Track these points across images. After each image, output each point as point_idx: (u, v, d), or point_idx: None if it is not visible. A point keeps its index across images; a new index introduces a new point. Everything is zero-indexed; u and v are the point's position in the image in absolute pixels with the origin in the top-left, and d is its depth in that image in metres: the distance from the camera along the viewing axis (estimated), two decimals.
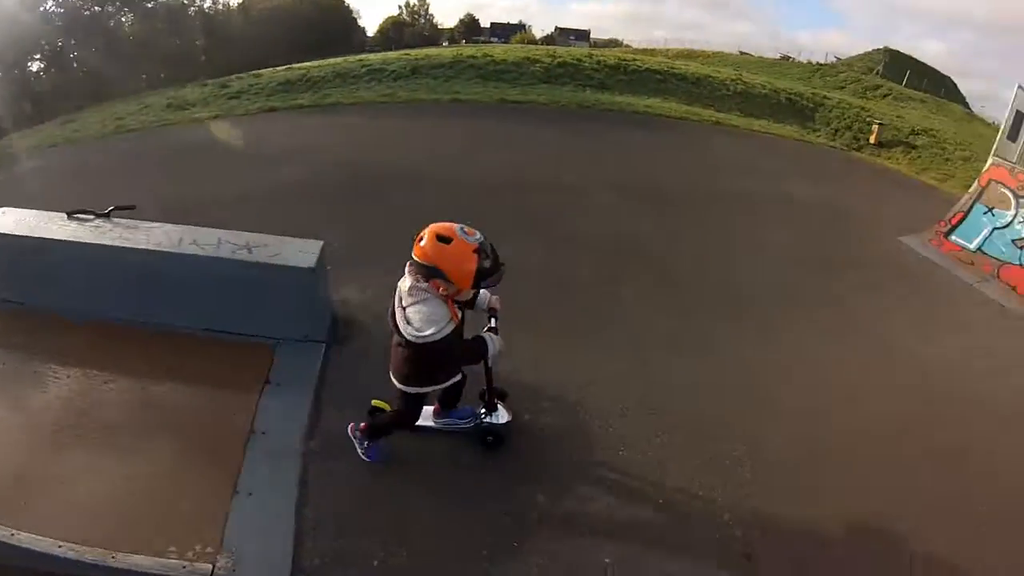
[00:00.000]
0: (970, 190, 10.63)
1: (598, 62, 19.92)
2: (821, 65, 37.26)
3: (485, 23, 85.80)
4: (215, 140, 10.89)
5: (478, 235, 2.98)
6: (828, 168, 14.78)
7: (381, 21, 78.80)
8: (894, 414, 5.01)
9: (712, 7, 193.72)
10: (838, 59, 41.12)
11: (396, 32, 75.83)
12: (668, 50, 47.86)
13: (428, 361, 3.23)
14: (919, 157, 18.36)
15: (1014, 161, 10.76)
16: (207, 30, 50.71)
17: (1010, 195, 9.99)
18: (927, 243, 9.99)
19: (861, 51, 43.19)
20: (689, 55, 43.97)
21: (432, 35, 78.05)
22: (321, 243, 4.84)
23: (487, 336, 3.29)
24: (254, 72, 18.54)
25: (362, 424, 3.72)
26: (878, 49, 41.92)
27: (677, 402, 4.75)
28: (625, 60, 21.08)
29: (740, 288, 7.09)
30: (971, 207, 10.26)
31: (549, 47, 25.70)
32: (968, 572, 3.53)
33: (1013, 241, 9.59)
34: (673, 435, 4.36)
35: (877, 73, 35.03)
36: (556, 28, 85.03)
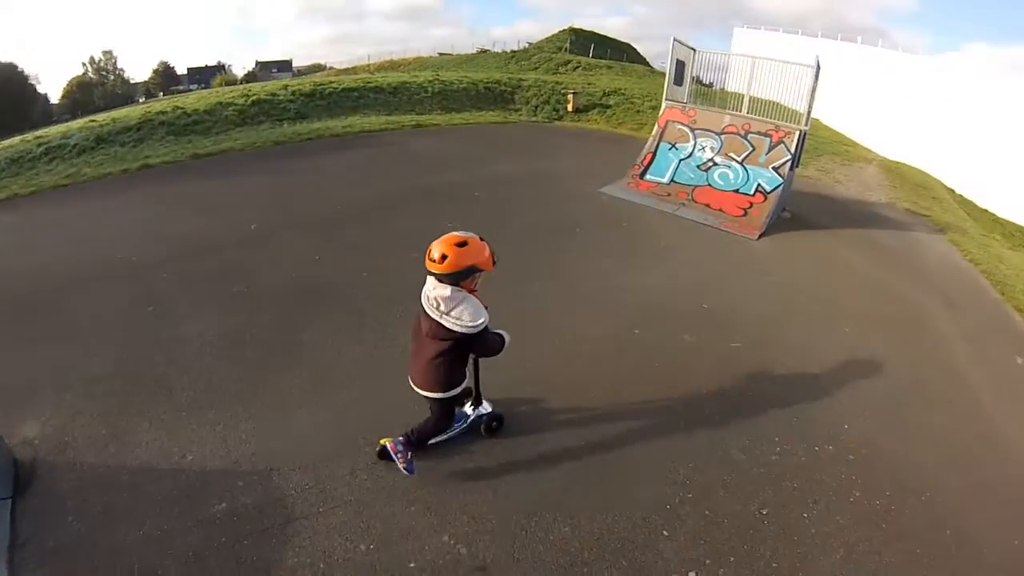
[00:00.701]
0: (653, 133, 11.43)
1: (293, 92, 18.53)
2: (515, 52, 39.19)
3: (183, 70, 79.97)
4: None
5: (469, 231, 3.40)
6: (532, 141, 15.21)
7: (65, 84, 68.64)
8: (611, 334, 5.76)
9: (411, 18, 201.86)
10: (530, 44, 43.58)
11: (84, 94, 66.58)
12: (369, 65, 47.60)
13: (465, 357, 3.58)
14: (614, 115, 19.70)
15: (684, 101, 11.85)
16: None
17: (686, 129, 10.94)
18: (627, 187, 10.54)
19: (550, 34, 45.87)
20: (391, 65, 44.17)
21: (126, 92, 70.27)
22: None
23: (502, 332, 3.63)
24: None
25: (401, 437, 3.72)
26: (564, 29, 44.88)
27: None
28: (321, 85, 19.90)
29: None
30: (656, 147, 11.05)
31: (245, 86, 23.64)
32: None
33: (698, 166, 10.50)
34: None
35: (565, 50, 37.55)
36: (257, 63, 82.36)
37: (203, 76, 74.59)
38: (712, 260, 7.82)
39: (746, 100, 11.21)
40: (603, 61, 33.75)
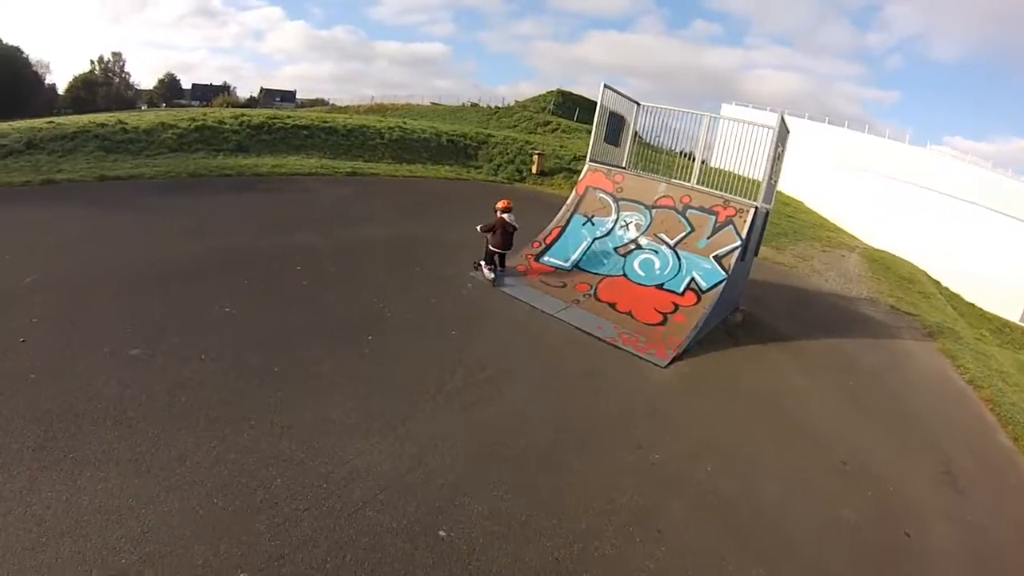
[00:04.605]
0: (568, 202, 9.03)
1: (241, 123, 17.17)
2: (498, 108, 37.71)
3: (189, 84, 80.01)
4: None
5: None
6: (462, 202, 13.25)
7: (71, 79, 66.64)
8: None
9: (416, 65, 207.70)
10: (516, 102, 42.03)
11: (88, 92, 64.50)
12: (360, 106, 46.65)
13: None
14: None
15: (623, 164, 9.54)
16: None
17: (609, 200, 8.59)
18: (512, 270, 8.10)
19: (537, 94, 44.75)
20: (379, 109, 42.90)
21: (129, 96, 69.11)
22: None
23: None
24: None
25: (500, 269, 7.88)
26: (551, 91, 43.73)
27: None
28: (274, 119, 18.52)
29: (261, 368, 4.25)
30: (569, 220, 8.70)
31: (200, 109, 22.19)
32: None
33: (615, 249, 8.09)
34: None
35: (549, 111, 35.95)
36: (262, 89, 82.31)
37: (205, 94, 73.76)
38: (549, 414, 4.85)
39: (696, 167, 8.90)
40: (585, 126, 32.16)
